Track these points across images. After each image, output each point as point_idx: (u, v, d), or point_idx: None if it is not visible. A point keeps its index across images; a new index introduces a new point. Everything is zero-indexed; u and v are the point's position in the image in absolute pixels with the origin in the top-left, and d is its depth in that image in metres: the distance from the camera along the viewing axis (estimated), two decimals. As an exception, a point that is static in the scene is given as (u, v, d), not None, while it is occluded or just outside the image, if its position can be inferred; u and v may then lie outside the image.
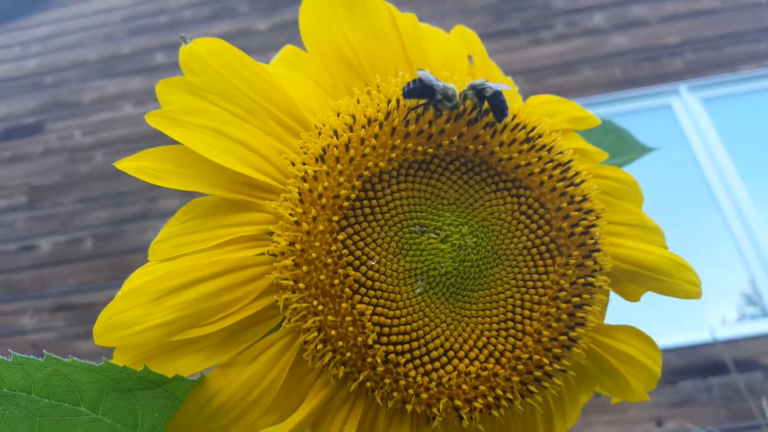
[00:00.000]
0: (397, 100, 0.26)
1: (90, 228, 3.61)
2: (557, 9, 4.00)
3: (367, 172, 0.25)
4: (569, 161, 0.27)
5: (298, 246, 0.24)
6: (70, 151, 3.96)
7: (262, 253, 0.26)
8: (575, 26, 3.98)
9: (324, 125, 0.27)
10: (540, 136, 0.27)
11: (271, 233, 0.26)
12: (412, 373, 0.25)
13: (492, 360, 0.25)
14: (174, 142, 0.30)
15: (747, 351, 2.72)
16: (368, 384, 0.24)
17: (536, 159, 0.27)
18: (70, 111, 4.22)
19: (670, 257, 0.32)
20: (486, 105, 0.26)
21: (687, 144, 3.55)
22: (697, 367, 2.76)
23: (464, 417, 0.24)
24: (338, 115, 0.27)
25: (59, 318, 3.25)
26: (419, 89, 0.25)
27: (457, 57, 0.32)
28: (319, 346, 0.24)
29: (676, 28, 3.96)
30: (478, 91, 0.25)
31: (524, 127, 0.27)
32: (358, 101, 0.27)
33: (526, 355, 0.25)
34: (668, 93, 3.71)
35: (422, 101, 0.26)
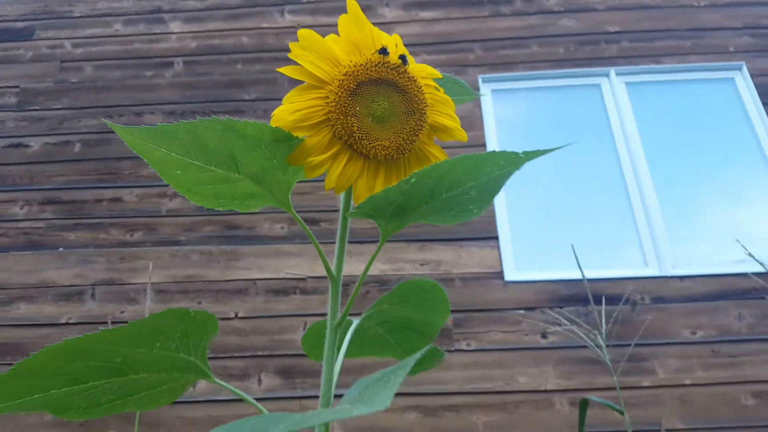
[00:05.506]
0: (370, 59, 0.84)
1: (78, 134, 3.66)
2: (519, -16, 4.32)
3: (359, 79, 0.84)
4: (421, 85, 0.87)
5: (337, 99, 0.83)
6: (59, 60, 4.01)
7: (323, 105, 0.84)
8: (532, 4, 4.40)
9: (345, 64, 0.85)
10: (413, 73, 0.86)
11: (326, 97, 0.84)
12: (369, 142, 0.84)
13: (399, 137, 0.85)
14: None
15: (620, 288, 3.38)
16: (350, 142, 0.84)
17: (413, 83, 0.86)
18: (61, 21, 4.17)
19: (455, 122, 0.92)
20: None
21: (607, 122, 4.13)
22: (580, 297, 3.42)
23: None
24: (350, 61, 0.85)
25: (48, 211, 3.44)
26: (382, 51, 0.84)
27: (393, 44, 0.90)
28: (338, 125, 0.83)
29: (618, 18, 4.27)
30: (402, 57, 0.84)
31: (409, 71, 0.86)
32: (358, 58, 0.85)
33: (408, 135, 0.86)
34: (600, 75, 4.25)
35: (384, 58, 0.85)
